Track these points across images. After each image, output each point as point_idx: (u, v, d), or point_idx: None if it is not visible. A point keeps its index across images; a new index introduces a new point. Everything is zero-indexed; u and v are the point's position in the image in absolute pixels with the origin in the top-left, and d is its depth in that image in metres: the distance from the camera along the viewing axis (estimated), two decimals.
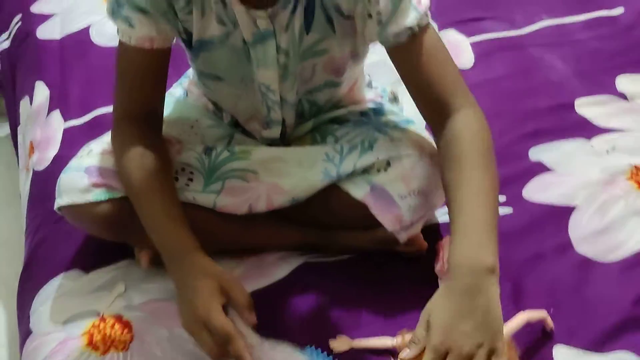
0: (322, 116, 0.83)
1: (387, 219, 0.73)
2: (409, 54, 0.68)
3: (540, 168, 0.91)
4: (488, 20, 1.22)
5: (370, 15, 0.68)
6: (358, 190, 0.74)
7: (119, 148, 0.73)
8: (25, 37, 1.24)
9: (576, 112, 1.01)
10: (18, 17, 1.30)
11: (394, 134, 0.77)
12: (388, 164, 0.74)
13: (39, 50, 1.19)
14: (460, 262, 0.59)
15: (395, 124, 0.80)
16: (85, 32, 1.21)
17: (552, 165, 0.91)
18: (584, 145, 0.94)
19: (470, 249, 0.59)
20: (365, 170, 0.75)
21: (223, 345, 0.63)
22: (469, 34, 1.18)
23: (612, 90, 1.05)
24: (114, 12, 0.69)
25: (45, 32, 1.23)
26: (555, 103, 1.02)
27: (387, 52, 0.71)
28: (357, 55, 0.77)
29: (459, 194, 0.63)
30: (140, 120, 0.73)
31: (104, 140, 0.78)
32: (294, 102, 0.78)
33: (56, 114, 1.05)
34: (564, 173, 0.90)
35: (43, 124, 1.05)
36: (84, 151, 0.79)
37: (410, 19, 0.66)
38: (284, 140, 0.83)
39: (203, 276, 0.65)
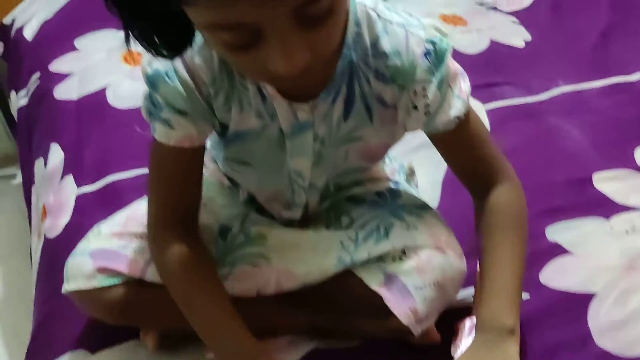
0: (339, 194, 0.82)
1: (402, 312, 0.71)
2: (454, 140, 0.71)
3: (557, 250, 0.89)
4: (504, 86, 1.21)
5: (416, 107, 0.68)
6: (372, 279, 0.73)
7: (160, 255, 0.70)
8: (43, 96, 1.25)
9: (594, 187, 0.99)
10: (37, 75, 1.31)
11: (410, 220, 0.76)
12: (403, 252, 0.73)
13: (55, 111, 1.20)
14: (485, 321, 0.66)
15: (411, 208, 0.79)
16: (102, 93, 1.21)
17: (570, 247, 0.89)
18: (602, 225, 0.92)
19: (496, 311, 0.66)
20: (380, 258, 0.74)
21: None
22: (484, 100, 1.17)
23: (631, 163, 1.03)
24: (152, 113, 0.67)
25: (63, 92, 1.24)
26: (572, 177, 1.00)
27: (430, 138, 0.73)
28: (393, 140, 0.76)
29: (491, 259, 0.69)
30: (179, 223, 0.71)
31: (114, 221, 0.78)
32: (322, 186, 0.77)
33: (69, 179, 1.05)
34: (583, 256, 0.88)
35: (56, 188, 1.05)
36: (92, 232, 0.78)
37: (457, 108, 0.68)
38: (302, 219, 0.82)
39: None
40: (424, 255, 0.73)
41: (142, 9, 0.52)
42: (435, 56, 0.65)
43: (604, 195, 0.97)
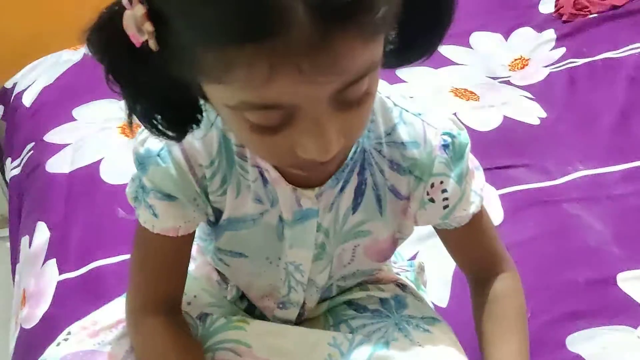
0: (340, 297, 0.75)
1: None
2: (465, 234, 0.68)
3: None
4: (519, 168, 1.15)
5: (433, 200, 0.63)
6: None
7: (138, 335, 0.66)
8: (35, 168, 1.21)
9: (619, 288, 0.90)
10: (31, 145, 1.27)
11: (416, 335, 0.68)
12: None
13: (45, 185, 1.15)
14: None
15: (418, 321, 0.71)
16: (95, 166, 1.16)
17: None
18: (629, 336, 0.83)
19: None
20: None
21: None
22: (498, 185, 1.10)
23: None
24: (137, 198, 0.62)
25: (55, 164, 1.19)
26: (594, 276, 0.92)
27: (439, 232, 0.70)
28: (400, 238, 0.70)
29: (500, 351, 0.66)
30: (160, 308, 0.66)
31: (82, 324, 0.70)
32: (323, 285, 0.70)
33: (52, 264, 0.99)
34: None
35: (38, 272, 0.98)
36: (61, 337, 0.71)
37: (475, 205, 0.66)
38: (297, 322, 0.74)
39: None
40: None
41: (148, 87, 0.48)
42: (454, 150, 0.62)
43: (631, 298, 0.89)
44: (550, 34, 1.58)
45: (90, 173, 1.15)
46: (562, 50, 1.52)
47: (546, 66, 1.48)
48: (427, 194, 0.63)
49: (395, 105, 0.61)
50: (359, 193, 0.63)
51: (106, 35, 0.48)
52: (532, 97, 1.37)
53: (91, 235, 1.02)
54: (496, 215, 1.05)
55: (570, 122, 1.29)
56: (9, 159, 1.38)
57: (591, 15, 1.62)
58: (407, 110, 0.62)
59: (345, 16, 0.41)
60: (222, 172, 0.60)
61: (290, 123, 0.46)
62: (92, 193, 1.11)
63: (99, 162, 1.17)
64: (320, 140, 0.47)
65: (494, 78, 1.45)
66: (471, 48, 1.56)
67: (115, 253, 0.96)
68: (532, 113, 1.31)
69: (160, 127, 0.51)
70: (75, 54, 1.50)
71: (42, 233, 1.05)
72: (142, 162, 0.59)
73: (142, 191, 0.61)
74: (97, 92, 1.34)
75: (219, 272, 0.77)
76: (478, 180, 0.66)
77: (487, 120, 1.29)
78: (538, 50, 1.54)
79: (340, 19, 0.41)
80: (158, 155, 0.58)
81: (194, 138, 0.59)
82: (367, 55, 0.44)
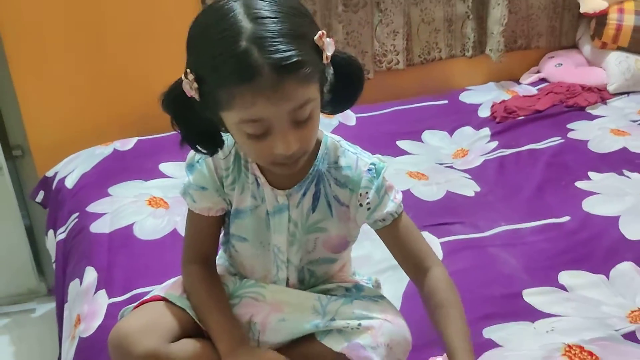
0: (316, 287, 1.08)
1: None
2: (393, 232, 1.00)
3: (491, 344, 1.11)
4: (456, 225, 1.50)
5: (361, 205, 0.99)
6: (336, 345, 0.97)
7: (186, 274, 1.04)
8: (80, 231, 1.53)
9: (524, 300, 1.24)
10: (76, 214, 1.60)
11: (368, 303, 1.02)
12: (359, 325, 0.97)
13: (90, 242, 1.47)
14: None
15: (371, 297, 1.05)
16: (130, 227, 1.49)
17: (501, 342, 1.12)
18: (528, 327, 1.16)
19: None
20: (340, 331, 0.98)
21: None
22: (439, 235, 1.45)
23: (554, 283, 1.29)
24: (185, 192, 1.01)
25: (97, 227, 1.52)
26: (506, 292, 1.25)
27: (378, 233, 1.02)
28: (349, 236, 1.04)
29: (450, 330, 0.94)
30: (199, 262, 1.04)
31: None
32: (297, 265, 1.03)
33: (102, 293, 1.29)
34: (511, 349, 1.10)
35: (90, 300, 1.28)
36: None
37: (390, 207, 0.98)
38: None
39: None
40: (376, 324, 0.97)
41: (193, 125, 0.90)
42: (375, 171, 0.98)
43: (531, 306, 1.22)
44: (486, 131, 1.99)
45: (126, 232, 1.48)
46: (495, 143, 1.92)
47: (482, 155, 1.87)
48: (358, 201, 0.99)
49: (341, 147, 1.00)
50: (315, 198, 0.99)
51: (173, 95, 0.89)
52: (470, 177, 1.75)
53: (131, 273, 1.33)
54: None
55: (498, 195, 1.66)
56: (51, 231, 1.70)
57: (519, 118, 2.04)
58: (348, 150, 1.00)
59: (289, 71, 0.81)
60: (233, 176, 0.99)
61: (268, 133, 0.86)
62: (128, 245, 1.43)
63: (132, 224, 1.50)
64: (285, 141, 0.86)
65: (440, 164, 1.84)
66: (423, 142, 1.96)
67: (152, 283, 1.26)
68: (469, 188, 1.68)
69: (198, 147, 0.93)
70: (106, 149, 1.86)
71: (91, 274, 1.36)
72: (190, 165, 1.00)
73: (187, 189, 1.01)
74: (127, 175, 1.70)
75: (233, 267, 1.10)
76: (395, 194, 1.00)
77: (434, 193, 1.65)
78: (476, 144, 1.94)
79: (287, 72, 0.81)
80: (197, 162, 1.00)
81: (219, 156, 0.98)
82: (305, 93, 0.84)
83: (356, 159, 0.99)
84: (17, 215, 1.99)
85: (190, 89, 0.85)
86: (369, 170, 0.98)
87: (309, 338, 1.00)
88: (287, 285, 1.05)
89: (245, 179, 0.99)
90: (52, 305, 1.97)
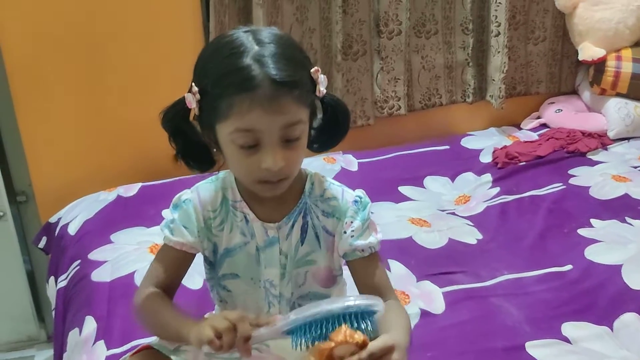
0: None
1: None
2: (367, 266, 1.03)
3: None
4: (458, 274, 1.49)
5: (345, 232, 1.02)
6: None
7: (139, 296, 1.02)
8: (81, 279, 1.52)
9: (527, 352, 1.22)
10: (77, 262, 1.60)
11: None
12: None
13: (91, 290, 1.47)
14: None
15: None
16: (130, 276, 1.49)
17: None
18: None
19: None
20: None
21: (227, 333, 0.86)
22: (441, 285, 1.44)
23: (558, 335, 1.28)
24: (165, 225, 1.04)
25: (98, 275, 1.52)
26: (508, 345, 1.24)
27: (350, 264, 1.04)
28: (335, 268, 1.06)
29: (394, 326, 0.93)
30: (157, 289, 1.03)
31: None
32: (289, 299, 1.05)
33: (101, 344, 1.28)
34: None
35: (89, 351, 1.28)
36: None
37: (372, 240, 1.03)
38: None
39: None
40: None
41: (189, 142, 0.99)
42: (361, 204, 1.03)
43: (534, 358, 1.20)
44: (487, 177, 2.00)
45: (127, 281, 1.47)
46: (497, 189, 1.93)
47: (484, 201, 1.87)
48: (343, 228, 1.01)
49: (327, 181, 1.05)
50: (303, 230, 1.02)
51: (174, 111, 0.98)
52: (472, 224, 1.75)
53: (130, 323, 1.32)
54: (438, 306, 1.37)
55: (500, 242, 1.65)
56: (52, 278, 1.70)
57: (520, 163, 2.05)
58: (333, 184, 1.05)
59: (286, 87, 0.89)
60: (221, 217, 1.03)
61: (258, 147, 0.91)
62: (129, 294, 1.41)
63: (133, 272, 1.50)
64: (273, 156, 0.91)
65: (442, 210, 1.84)
66: (424, 188, 1.97)
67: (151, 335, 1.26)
68: (471, 235, 1.68)
69: (191, 163, 1.01)
70: (110, 195, 1.87)
71: (90, 323, 1.35)
72: (176, 204, 1.04)
73: (167, 223, 1.03)
74: (130, 222, 1.71)
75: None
76: (376, 231, 1.04)
77: (436, 241, 1.65)
78: (478, 190, 1.94)
79: (284, 88, 0.89)
80: (183, 202, 1.03)
81: (206, 196, 1.03)
82: (297, 112, 0.91)
83: (342, 190, 1.05)
84: (19, 261, 2.00)
85: (192, 101, 0.94)
86: (355, 201, 1.03)
87: None
88: None
89: (233, 217, 1.03)
90: (51, 353, 1.95)
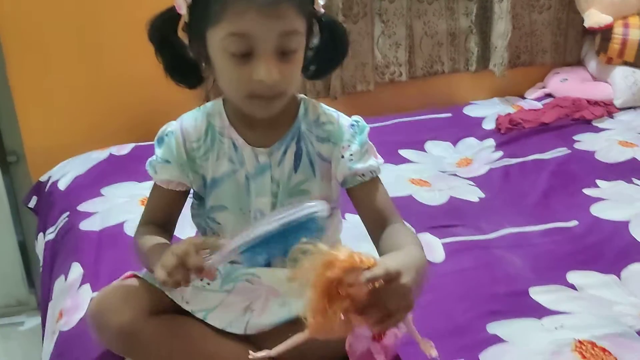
0: None
1: None
2: (369, 191, 0.97)
3: (496, 339, 1.04)
4: (458, 227, 1.44)
5: (343, 157, 0.96)
6: None
7: (137, 235, 1.01)
8: (69, 229, 1.47)
9: (530, 297, 1.17)
10: (66, 214, 1.55)
11: None
12: None
13: (79, 239, 1.42)
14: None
15: None
16: (120, 226, 1.44)
17: (506, 338, 1.05)
18: (534, 323, 1.09)
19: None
20: None
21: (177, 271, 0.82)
22: (441, 236, 1.39)
23: (563, 281, 1.22)
24: (149, 164, 1.01)
25: (87, 225, 1.47)
26: (511, 290, 1.19)
27: (351, 192, 0.98)
28: (332, 198, 1.00)
29: (403, 250, 0.85)
30: (154, 227, 1.02)
31: None
32: None
33: (86, 287, 1.23)
34: (517, 344, 1.03)
35: (74, 294, 1.22)
36: None
37: (372, 162, 0.97)
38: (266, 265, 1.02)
39: None
40: None
41: (176, 54, 0.92)
42: (358, 128, 0.97)
43: (538, 303, 1.15)
44: (490, 142, 1.95)
45: (116, 230, 1.42)
46: (500, 153, 1.87)
47: (487, 164, 1.82)
48: (340, 153, 0.96)
49: (321, 106, 1.00)
50: (297, 156, 0.97)
51: (162, 20, 0.92)
52: (474, 184, 1.70)
53: (119, 268, 1.26)
54: (438, 256, 1.32)
55: (503, 200, 1.60)
56: (41, 234, 1.65)
57: (524, 130, 2.00)
58: (328, 109, 1.00)
59: None
60: (205, 146, 0.98)
61: (252, 56, 0.85)
62: (118, 243, 1.37)
63: (123, 223, 1.45)
64: (267, 67, 0.85)
65: (443, 172, 1.79)
66: (425, 152, 1.91)
67: None
68: (473, 194, 1.63)
69: (178, 78, 0.94)
70: (102, 153, 1.82)
71: (77, 270, 1.30)
72: (160, 139, 1.00)
73: (152, 161, 1.01)
74: (122, 177, 1.66)
75: None
76: (375, 152, 0.99)
77: (436, 199, 1.60)
78: (480, 153, 1.89)
79: None
80: (166, 134, 0.99)
81: (189, 125, 0.98)
82: (295, 20, 0.86)
83: (337, 115, 1.00)
84: (9, 222, 1.94)
85: (182, 6, 0.88)
86: (352, 125, 0.98)
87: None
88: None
89: (220, 145, 0.98)
90: (40, 319, 1.91)
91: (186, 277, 0.84)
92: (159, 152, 1.00)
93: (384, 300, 0.74)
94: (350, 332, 0.78)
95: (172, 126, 1.00)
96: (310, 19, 0.91)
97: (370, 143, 0.99)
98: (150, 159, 1.01)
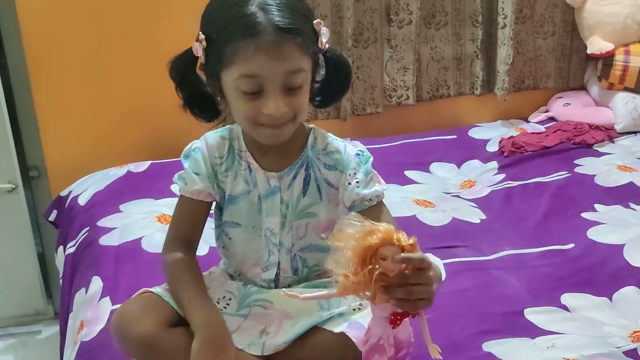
0: (310, 281, 1.10)
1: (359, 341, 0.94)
2: (376, 213, 1.03)
3: (490, 357, 1.11)
4: (459, 248, 1.51)
5: (350, 184, 1.04)
6: (337, 327, 0.99)
7: (166, 255, 1.07)
8: (89, 243, 1.55)
9: (525, 318, 1.23)
10: (86, 229, 1.63)
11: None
12: (360, 305, 1.01)
13: (99, 253, 1.49)
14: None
15: None
16: (138, 241, 1.52)
17: (500, 356, 1.11)
18: (527, 342, 1.15)
19: None
20: (342, 314, 1.01)
21: None
22: (443, 257, 1.45)
23: (557, 303, 1.29)
24: (178, 177, 1.08)
25: (106, 240, 1.54)
26: (507, 310, 1.25)
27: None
28: (336, 221, 1.04)
29: None
30: (183, 246, 1.08)
31: None
32: (289, 248, 1.07)
33: (106, 300, 1.31)
34: None
35: (95, 307, 1.30)
36: None
37: (377, 188, 1.05)
38: (278, 284, 1.09)
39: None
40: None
41: (195, 91, 1.03)
42: (363, 157, 1.06)
43: (532, 323, 1.21)
44: (493, 164, 2.01)
45: (134, 246, 1.50)
46: (502, 175, 1.94)
47: (489, 186, 1.89)
48: (347, 180, 1.04)
49: (329, 136, 1.09)
50: (306, 182, 1.05)
51: (181, 61, 1.02)
52: (476, 206, 1.76)
53: (137, 282, 1.34)
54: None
55: (504, 222, 1.67)
56: (61, 248, 1.73)
57: (527, 153, 2.07)
58: (335, 139, 1.09)
59: (289, 33, 0.93)
60: (227, 164, 1.07)
61: (261, 93, 0.95)
62: (136, 257, 1.45)
63: (140, 238, 1.53)
64: (275, 102, 0.95)
65: (447, 193, 1.86)
66: (430, 173, 1.98)
67: None
68: (475, 216, 1.70)
69: (197, 112, 1.05)
70: (120, 170, 1.90)
71: (97, 283, 1.38)
72: (186, 155, 1.08)
73: (181, 174, 1.07)
74: (139, 194, 1.74)
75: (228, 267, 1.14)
76: (379, 179, 1.06)
77: (439, 219, 1.67)
78: (483, 176, 1.96)
79: (287, 34, 0.92)
80: (193, 150, 1.07)
81: (213, 143, 1.07)
82: (300, 59, 0.95)
83: (344, 145, 1.08)
84: (30, 235, 2.03)
85: (199, 49, 0.97)
86: (357, 154, 1.06)
87: (311, 328, 1.01)
88: (279, 270, 1.08)
89: (238, 166, 1.07)
90: (57, 328, 1.98)
91: None
92: (187, 166, 1.07)
93: (410, 285, 0.81)
94: (372, 301, 0.84)
95: (197, 143, 1.09)
96: (315, 56, 1.00)
97: (374, 171, 1.07)
98: (178, 173, 1.08)
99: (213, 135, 1.09)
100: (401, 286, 0.82)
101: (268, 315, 1.05)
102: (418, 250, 0.83)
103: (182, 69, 1.02)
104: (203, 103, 1.04)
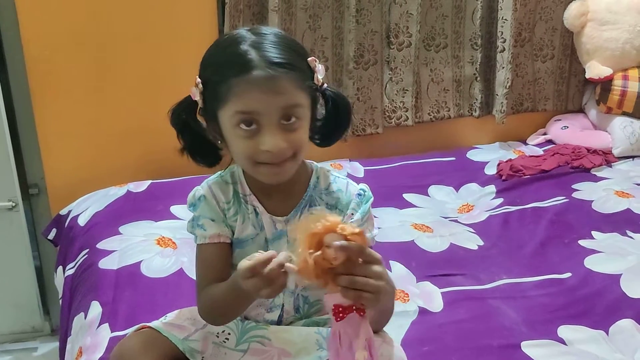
0: (310, 318, 1.10)
1: None
2: None
3: None
4: (457, 276, 1.51)
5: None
6: None
7: (199, 299, 1.04)
8: (89, 266, 1.56)
9: (522, 351, 1.24)
10: (86, 251, 1.63)
11: None
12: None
13: (98, 277, 1.50)
14: None
15: None
16: (137, 265, 1.52)
17: None
18: None
19: None
20: None
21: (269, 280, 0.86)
22: (440, 286, 1.46)
23: (554, 336, 1.29)
24: (193, 225, 1.05)
25: (106, 263, 1.55)
26: (504, 343, 1.26)
27: None
28: None
29: None
30: None
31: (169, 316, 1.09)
32: (292, 291, 1.07)
33: (105, 326, 1.31)
34: None
35: (93, 333, 1.30)
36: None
37: (372, 232, 1.06)
38: (280, 324, 1.09)
39: None
40: (376, 344, 0.98)
41: (195, 138, 1.03)
42: (364, 197, 1.06)
43: (530, 357, 1.22)
44: (491, 188, 2.02)
45: (133, 269, 1.51)
46: (500, 200, 1.95)
47: (487, 211, 1.90)
48: (344, 220, 1.00)
49: (332, 174, 1.09)
50: None
51: (181, 108, 1.02)
52: (474, 231, 1.77)
53: (135, 308, 1.35)
54: (437, 305, 1.40)
55: (501, 249, 1.68)
56: (61, 268, 1.74)
57: (525, 177, 2.08)
58: (338, 177, 1.09)
59: (283, 68, 0.93)
60: (235, 208, 1.06)
61: (259, 131, 0.95)
62: (135, 282, 1.46)
63: (140, 262, 1.53)
64: (272, 138, 0.94)
65: (445, 218, 1.86)
66: (429, 196, 1.99)
67: (154, 318, 1.26)
68: (472, 242, 1.70)
69: (198, 158, 1.04)
70: (120, 190, 1.91)
71: (96, 308, 1.38)
72: (193, 204, 1.06)
73: (195, 222, 1.05)
74: (139, 215, 1.75)
75: None
76: (372, 225, 1.07)
77: (437, 245, 1.67)
78: (481, 200, 1.97)
79: (280, 69, 0.93)
80: (199, 199, 1.05)
81: (217, 189, 1.05)
82: (295, 94, 0.95)
83: (346, 183, 1.08)
84: (29, 252, 2.03)
85: (196, 93, 0.98)
86: (359, 194, 1.06)
87: None
88: (282, 312, 1.08)
89: (245, 210, 1.06)
90: (54, 345, 1.98)
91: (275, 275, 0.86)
92: (197, 213, 1.05)
93: (355, 274, 0.84)
94: (324, 288, 0.87)
95: (201, 191, 1.06)
96: (313, 93, 1.00)
97: (371, 214, 1.07)
98: (192, 222, 1.06)
99: (215, 181, 1.07)
100: (345, 275, 0.84)
101: (266, 352, 1.05)
102: (364, 241, 0.85)
103: (182, 116, 1.02)
104: (205, 149, 1.04)
